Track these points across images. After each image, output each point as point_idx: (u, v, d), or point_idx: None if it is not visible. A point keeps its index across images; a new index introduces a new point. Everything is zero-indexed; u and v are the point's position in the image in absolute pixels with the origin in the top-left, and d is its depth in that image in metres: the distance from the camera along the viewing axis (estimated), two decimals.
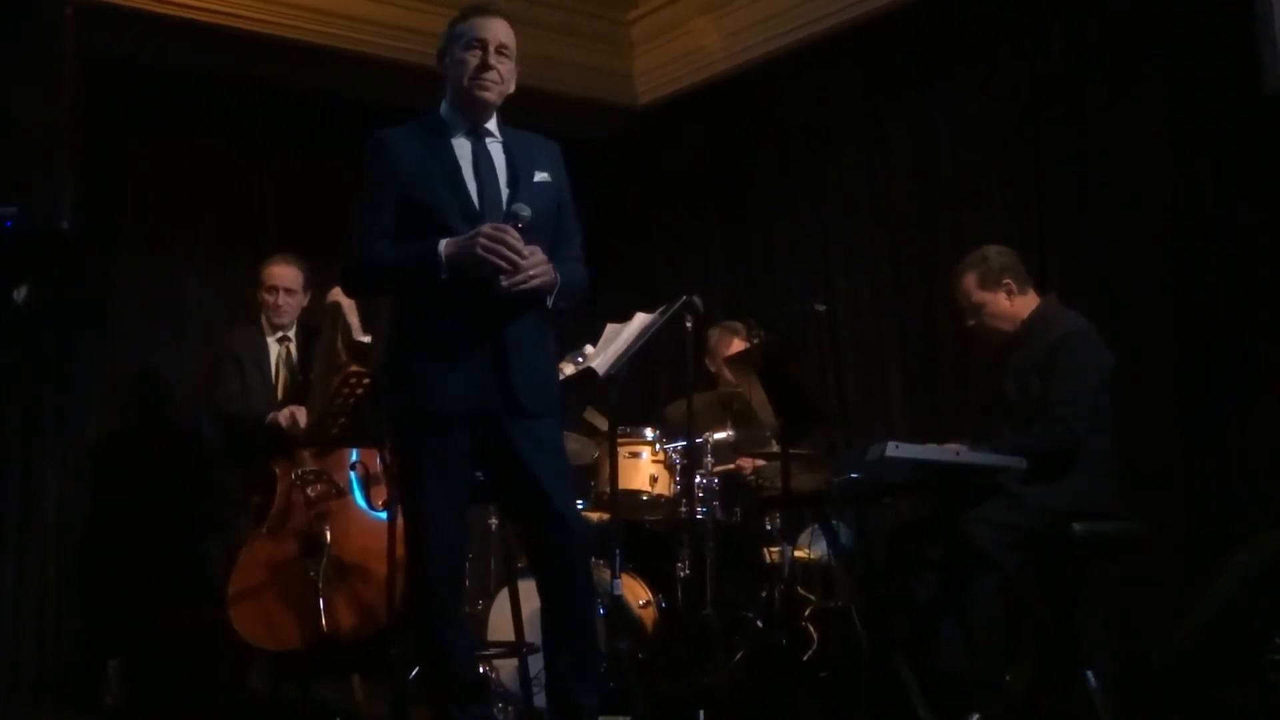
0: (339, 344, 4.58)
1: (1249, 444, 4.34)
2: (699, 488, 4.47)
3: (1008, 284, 4.02)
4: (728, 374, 4.99)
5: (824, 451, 4.86)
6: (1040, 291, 4.10)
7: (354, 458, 4.44)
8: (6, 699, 5.09)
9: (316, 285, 4.93)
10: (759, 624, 4.53)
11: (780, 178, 6.17)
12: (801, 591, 4.74)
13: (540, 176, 3.20)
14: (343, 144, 6.00)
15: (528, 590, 4.00)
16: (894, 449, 3.52)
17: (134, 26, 5.15)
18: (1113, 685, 3.82)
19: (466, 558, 3.25)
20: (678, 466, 4.62)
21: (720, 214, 6.44)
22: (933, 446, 3.67)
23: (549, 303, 3.14)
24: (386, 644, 3.96)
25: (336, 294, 4.59)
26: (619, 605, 4.16)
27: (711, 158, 6.46)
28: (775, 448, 4.31)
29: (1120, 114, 4.77)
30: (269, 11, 5.39)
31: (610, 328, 4.26)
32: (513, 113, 3.33)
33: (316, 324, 4.77)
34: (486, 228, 2.99)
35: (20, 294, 4.68)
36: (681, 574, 4.55)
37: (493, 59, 3.15)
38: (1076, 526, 3.63)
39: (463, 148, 3.18)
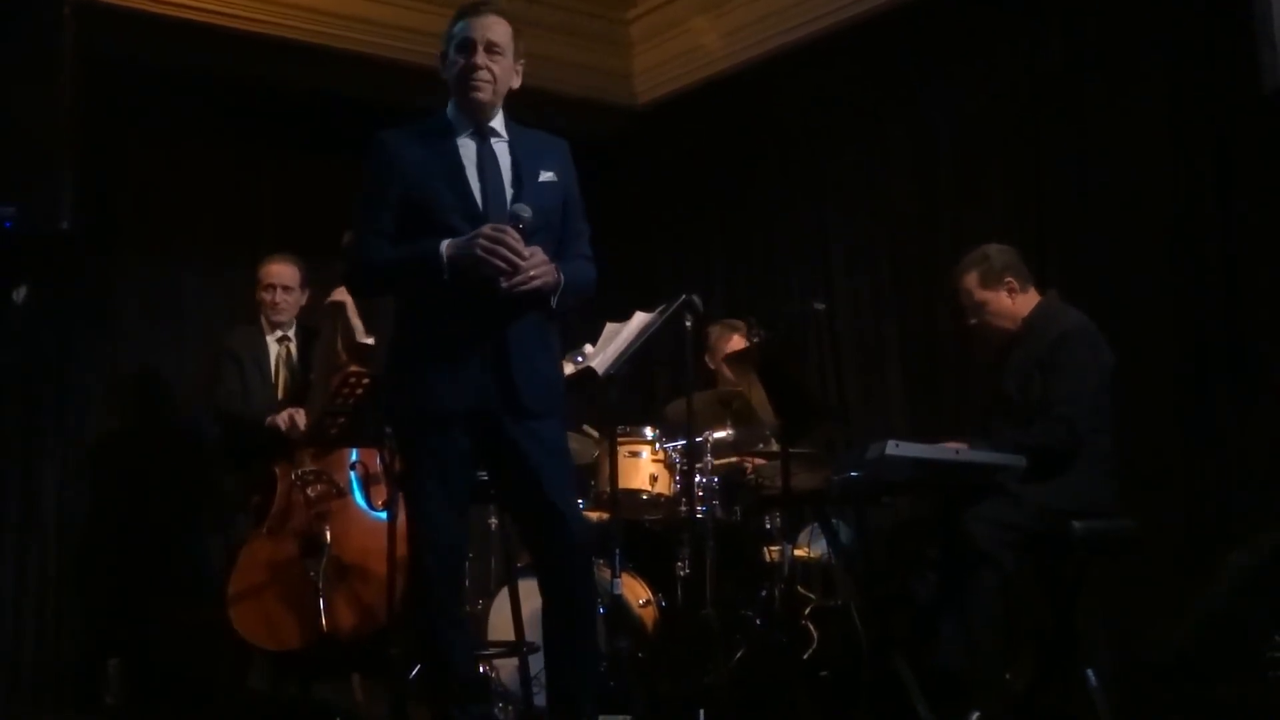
0: (339, 344, 4.59)
1: (1248, 444, 4.34)
2: (699, 487, 4.47)
3: (1009, 282, 4.02)
4: (727, 372, 4.99)
5: (824, 450, 4.86)
6: (1041, 290, 4.10)
7: (354, 458, 4.44)
8: (6, 699, 5.09)
9: (315, 284, 4.93)
10: (759, 623, 4.53)
11: (780, 177, 6.17)
12: (801, 590, 4.74)
13: (546, 176, 3.19)
14: (341, 143, 6.02)
15: (528, 590, 4.00)
16: (894, 447, 3.52)
17: (133, 26, 5.15)
18: (1112, 684, 3.83)
19: (466, 557, 3.24)
20: (677, 466, 4.62)
21: (720, 213, 6.44)
22: (932, 445, 3.67)
23: (553, 303, 3.13)
24: (386, 644, 3.96)
25: (339, 294, 4.59)
26: (619, 604, 4.17)
27: (711, 157, 6.46)
28: (775, 447, 4.31)
29: (1119, 113, 4.77)
30: (267, 11, 5.39)
31: (609, 327, 4.26)
32: (511, 111, 3.32)
33: (316, 324, 4.77)
34: (487, 229, 2.99)
35: (20, 294, 4.68)
36: (681, 573, 4.55)
37: (480, 58, 3.13)
38: (1076, 525, 3.63)
39: (467, 148, 3.17)
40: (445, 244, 3.03)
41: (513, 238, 2.98)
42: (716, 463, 4.60)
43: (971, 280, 4.05)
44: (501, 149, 3.20)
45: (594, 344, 4.24)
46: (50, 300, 5.28)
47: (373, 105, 5.95)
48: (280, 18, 5.43)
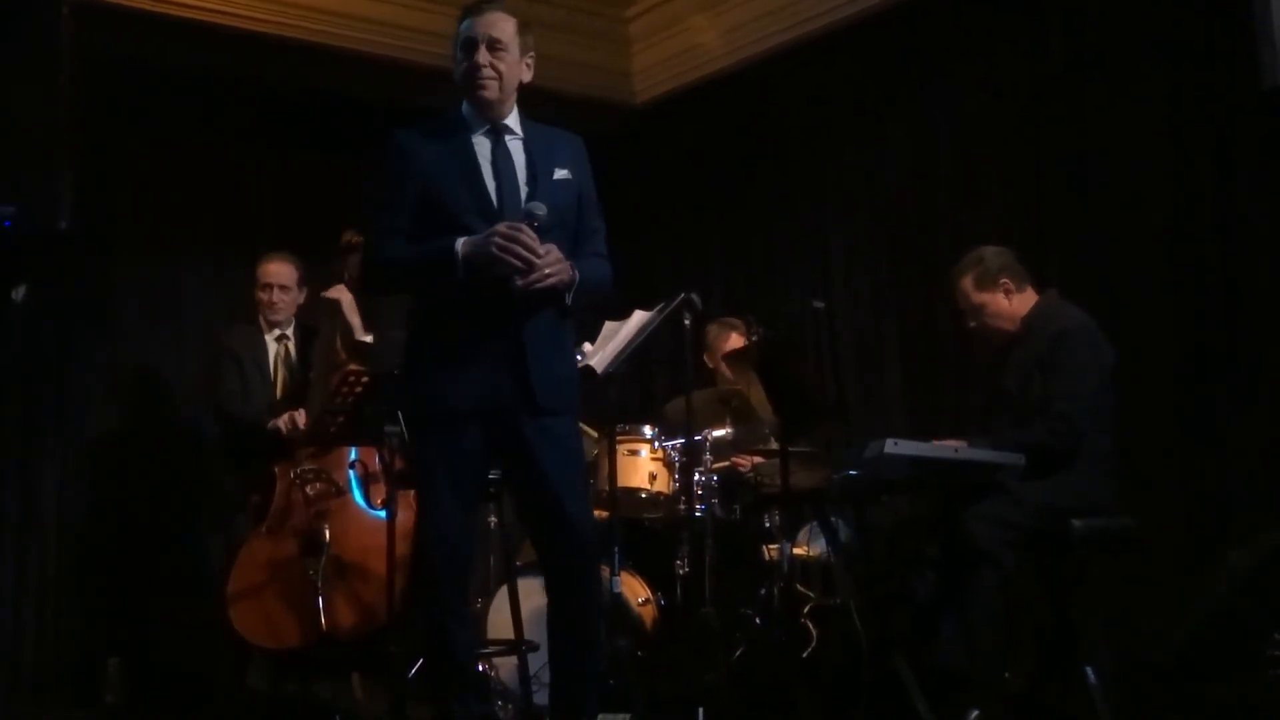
0: (338, 343, 4.59)
1: (1248, 443, 4.34)
2: (698, 485, 4.47)
3: (1005, 284, 4.03)
4: (726, 370, 4.99)
5: (823, 449, 4.85)
6: (1039, 289, 4.11)
7: (353, 456, 4.44)
8: (6, 698, 5.09)
9: (313, 282, 4.93)
10: (758, 621, 4.53)
11: (779, 175, 6.17)
12: (801, 589, 4.73)
13: (560, 173, 3.19)
14: (341, 143, 6.07)
15: (527, 588, 4.02)
16: (893, 446, 3.52)
17: (132, 26, 5.15)
18: (1112, 683, 3.82)
19: (473, 554, 3.25)
20: (677, 464, 4.62)
21: (719, 212, 6.44)
22: (932, 443, 3.68)
23: (568, 300, 3.13)
24: (386, 642, 3.95)
25: (336, 291, 4.59)
26: (618, 603, 4.17)
27: (710, 155, 6.46)
28: (774, 445, 4.31)
29: (1119, 112, 4.77)
30: (267, 10, 5.40)
31: (609, 325, 4.26)
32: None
33: (315, 322, 4.77)
34: (501, 227, 3.00)
35: (19, 293, 4.68)
36: (680, 571, 4.55)
37: (483, 56, 3.14)
38: (1075, 523, 3.63)
39: (482, 146, 3.18)
40: (460, 242, 3.03)
41: (527, 235, 2.99)
42: (715, 465, 4.60)
43: (967, 283, 4.07)
44: (516, 146, 3.21)
45: (593, 342, 4.24)
46: (50, 300, 5.29)
47: (373, 104, 5.96)
48: (280, 16, 5.44)
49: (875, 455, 3.53)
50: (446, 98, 6.00)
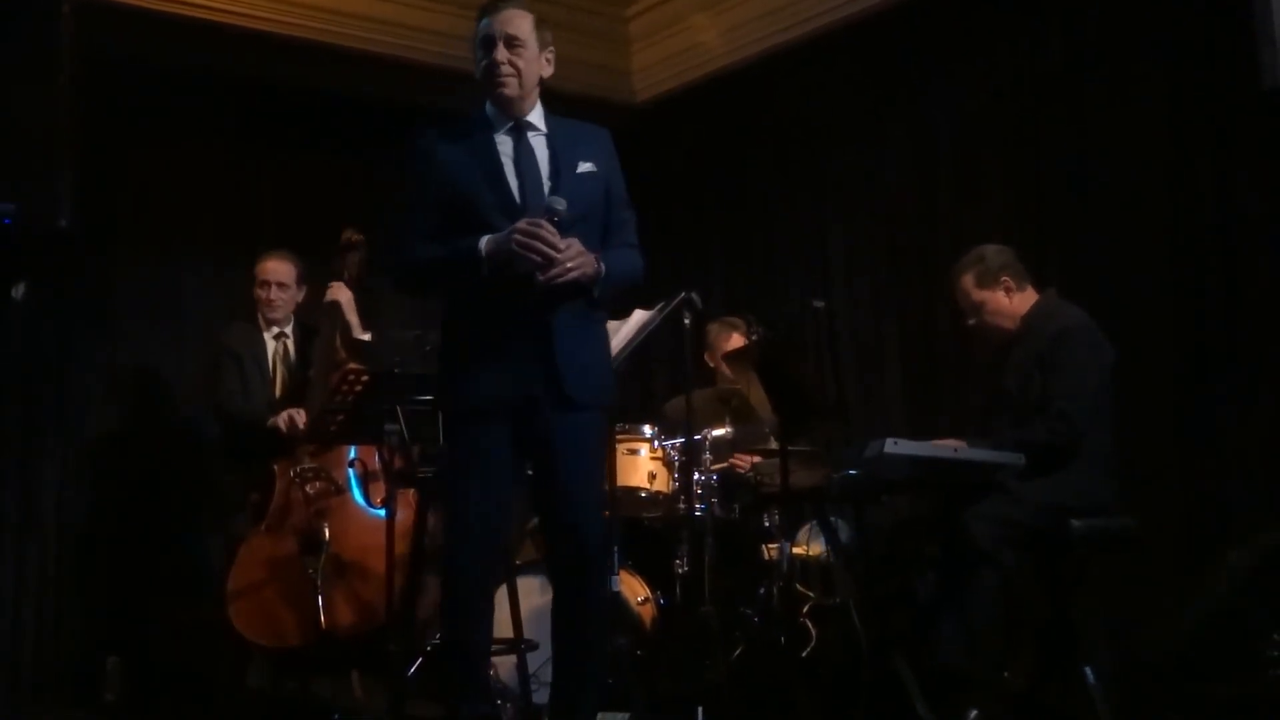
0: (338, 342, 4.59)
1: (1248, 442, 4.34)
2: (697, 484, 4.47)
3: (1005, 282, 4.03)
4: (726, 369, 4.99)
5: (822, 448, 4.85)
6: (1039, 288, 4.11)
7: (352, 455, 4.44)
8: (6, 696, 5.09)
9: (312, 281, 4.93)
10: (757, 621, 4.53)
11: (779, 175, 6.17)
12: (800, 588, 4.73)
13: (584, 167, 3.20)
14: (341, 142, 6.07)
15: (527, 587, 4.02)
16: (892, 445, 3.52)
17: (132, 25, 5.15)
18: (1112, 682, 3.82)
19: (502, 550, 3.24)
20: (676, 463, 4.62)
21: (719, 211, 6.44)
22: (931, 443, 3.68)
23: (595, 293, 3.14)
24: (385, 641, 3.96)
25: (335, 292, 4.60)
26: (617, 602, 4.17)
27: (710, 155, 6.46)
28: (774, 444, 4.31)
29: (1119, 111, 4.77)
30: (267, 9, 5.39)
31: (609, 324, 4.25)
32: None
33: (314, 321, 4.77)
34: (521, 223, 3.01)
35: (19, 291, 4.68)
36: (680, 571, 4.55)
37: (501, 54, 3.15)
38: (1075, 523, 3.63)
39: (504, 144, 3.19)
40: (484, 241, 3.05)
41: (547, 230, 3.00)
42: (714, 465, 4.60)
43: (968, 281, 4.07)
44: (539, 143, 3.22)
45: None
46: (50, 299, 5.29)
47: (373, 103, 5.97)
48: (280, 15, 5.43)
49: (875, 455, 3.53)
50: (446, 97, 6.05)
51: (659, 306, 4.15)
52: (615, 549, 4.06)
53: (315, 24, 5.51)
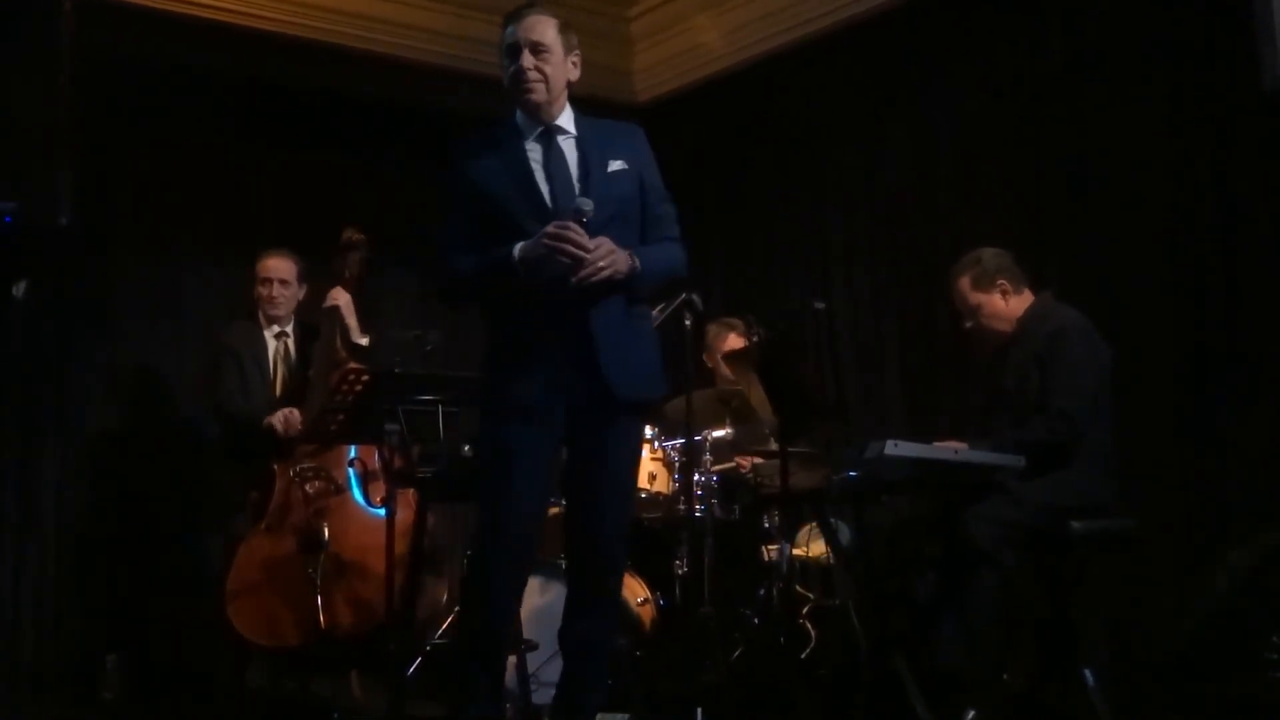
0: (338, 342, 4.60)
1: (1247, 442, 4.34)
2: (697, 485, 4.47)
3: (1002, 284, 4.06)
4: (725, 370, 4.99)
5: (822, 449, 4.85)
6: (1035, 290, 4.12)
7: (352, 454, 4.44)
8: (5, 694, 5.09)
9: (313, 280, 4.93)
10: (757, 622, 4.53)
11: (779, 175, 6.17)
12: (800, 590, 4.74)
13: (615, 165, 3.21)
14: (341, 141, 6.07)
15: (528, 587, 4.01)
16: (893, 447, 3.52)
17: (133, 23, 5.14)
18: (1111, 683, 3.83)
19: (534, 553, 3.26)
20: (676, 464, 4.62)
21: (719, 211, 6.44)
22: (931, 444, 3.68)
23: (635, 288, 3.16)
24: (385, 640, 3.95)
25: (334, 296, 4.59)
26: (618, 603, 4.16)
27: (711, 155, 6.46)
28: (774, 445, 4.31)
29: (1119, 111, 4.77)
30: (268, 8, 5.40)
31: None
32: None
33: (313, 320, 4.77)
34: (550, 226, 3.03)
35: (19, 289, 4.67)
36: (680, 572, 4.55)
37: (527, 60, 3.17)
38: (1075, 524, 3.63)
39: (534, 150, 3.21)
40: (517, 247, 3.08)
41: (575, 232, 3.01)
42: (716, 467, 4.60)
43: (965, 284, 4.10)
44: (569, 146, 3.23)
45: None
46: (50, 298, 5.28)
47: (373, 103, 5.96)
48: (280, 14, 5.43)
49: (875, 456, 3.53)
50: (447, 97, 6.04)
51: (659, 307, 4.15)
52: None
53: (316, 23, 5.51)
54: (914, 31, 5.47)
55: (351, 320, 4.61)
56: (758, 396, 4.17)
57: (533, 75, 3.17)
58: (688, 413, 4.23)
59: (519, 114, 3.26)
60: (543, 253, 3.02)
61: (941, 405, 5.33)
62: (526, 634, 3.92)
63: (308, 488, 4.38)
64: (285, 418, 4.56)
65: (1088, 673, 3.68)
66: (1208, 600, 3.92)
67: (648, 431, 4.68)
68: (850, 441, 5.02)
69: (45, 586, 5.32)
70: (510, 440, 3.12)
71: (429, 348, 4.52)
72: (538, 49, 3.18)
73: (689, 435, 4.36)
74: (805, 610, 4.62)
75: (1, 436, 5.27)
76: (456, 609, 4.89)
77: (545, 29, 3.20)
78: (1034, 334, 3.96)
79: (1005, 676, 3.95)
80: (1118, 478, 3.89)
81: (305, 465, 4.41)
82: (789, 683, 4.29)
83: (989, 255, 4.11)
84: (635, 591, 4.50)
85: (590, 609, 3.22)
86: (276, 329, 4.90)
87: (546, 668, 4.09)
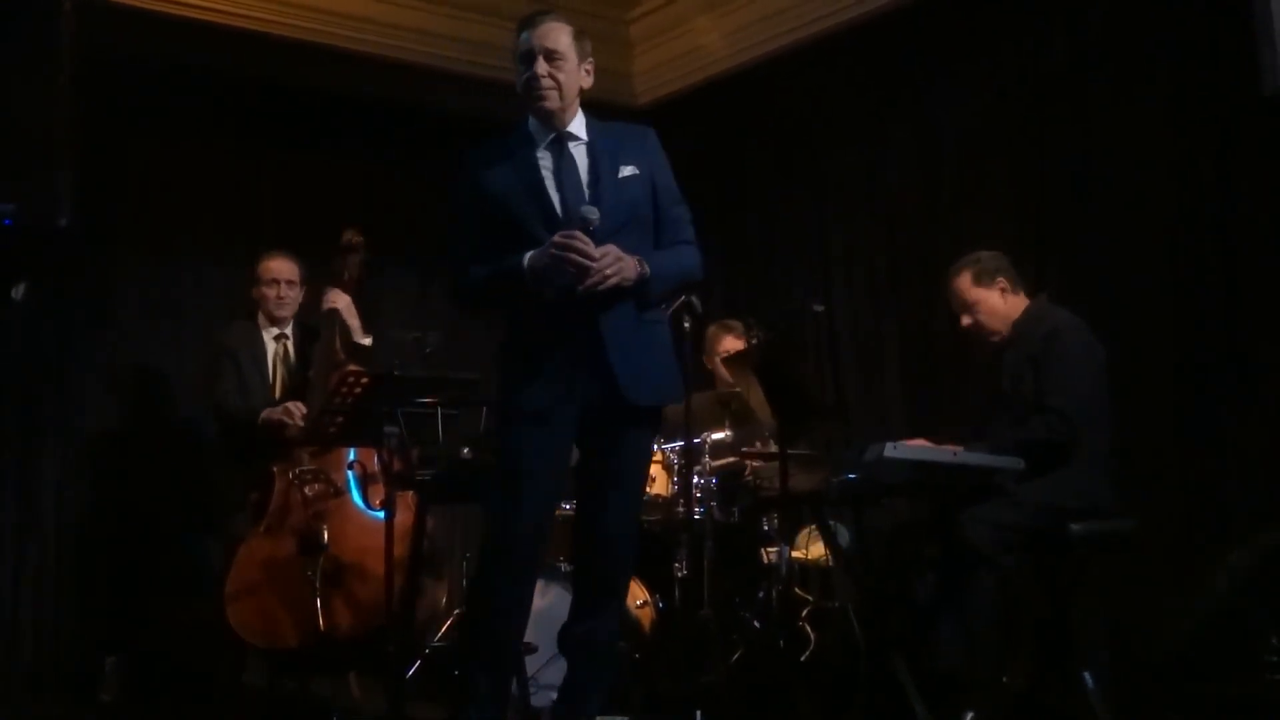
0: (337, 344, 4.59)
1: (1247, 443, 4.34)
2: (697, 488, 4.47)
3: (1001, 283, 4.09)
4: (723, 371, 4.99)
5: (822, 451, 4.85)
6: (1031, 295, 4.14)
7: (351, 457, 4.43)
8: (4, 696, 5.09)
9: (312, 282, 4.92)
10: (756, 624, 4.53)
11: (780, 177, 6.17)
12: (799, 592, 4.73)
13: (626, 171, 3.22)
14: (340, 142, 6.07)
15: None
16: (892, 449, 3.52)
17: (133, 24, 5.15)
18: (1110, 683, 3.83)
19: (541, 559, 3.27)
20: (676, 466, 4.61)
21: (720, 213, 6.43)
22: (931, 447, 3.68)
23: (645, 294, 3.16)
24: (384, 642, 3.95)
25: (333, 298, 4.59)
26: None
27: (711, 157, 6.45)
28: (773, 447, 4.31)
29: (1121, 114, 4.77)
30: (267, 10, 5.40)
31: None
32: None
33: (313, 322, 4.77)
34: (556, 236, 3.04)
35: (19, 291, 4.67)
36: (679, 574, 4.55)
37: (541, 67, 3.16)
38: (1074, 526, 3.63)
39: (545, 157, 3.21)
40: (526, 256, 3.09)
41: (580, 240, 3.02)
42: (715, 464, 4.59)
43: (965, 280, 4.12)
44: (579, 152, 3.23)
45: None
46: (49, 298, 5.29)
47: (372, 104, 5.97)
48: (280, 16, 5.44)
49: (874, 459, 3.54)
50: (446, 99, 6.04)
51: (662, 305, 4.14)
52: None
53: (315, 25, 5.52)
54: (915, 33, 5.47)
55: (354, 321, 4.61)
56: (757, 398, 4.17)
57: (546, 83, 3.16)
58: (687, 415, 4.23)
59: (531, 120, 3.26)
60: (549, 262, 3.04)
61: (941, 405, 5.33)
62: (526, 636, 3.91)
63: (307, 490, 4.37)
64: (287, 409, 4.55)
65: (1087, 674, 3.69)
66: (1207, 601, 3.93)
67: None
68: (849, 442, 5.03)
69: (44, 587, 5.33)
70: (520, 444, 3.13)
71: (428, 350, 4.52)
72: (552, 56, 3.18)
73: (688, 438, 4.36)
74: (805, 612, 4.63)
75: (1, 436, 5.27)
76: (456, 611, 4.91)
77: (560, 36, 3.20)
78: (1029, 336, 3.98)
79: (1005, 678, 3.95)
80: (1116, 478, 3.89)
81: (305, 468, 4.41)
82: (789, 685, 4.28)
83: (987, 256, 4.15)
84: (635, 594, 4.50)
85: (596, 610, 3.24)
86: (275, 330, 4.89)
87: (546, 670, 4.09)
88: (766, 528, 4.77)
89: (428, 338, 4.54)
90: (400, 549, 3.83)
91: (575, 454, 3.30)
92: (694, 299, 4.18)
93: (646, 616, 4.51)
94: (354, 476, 4.44)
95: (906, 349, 5.56)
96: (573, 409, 3.13)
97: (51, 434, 5.42)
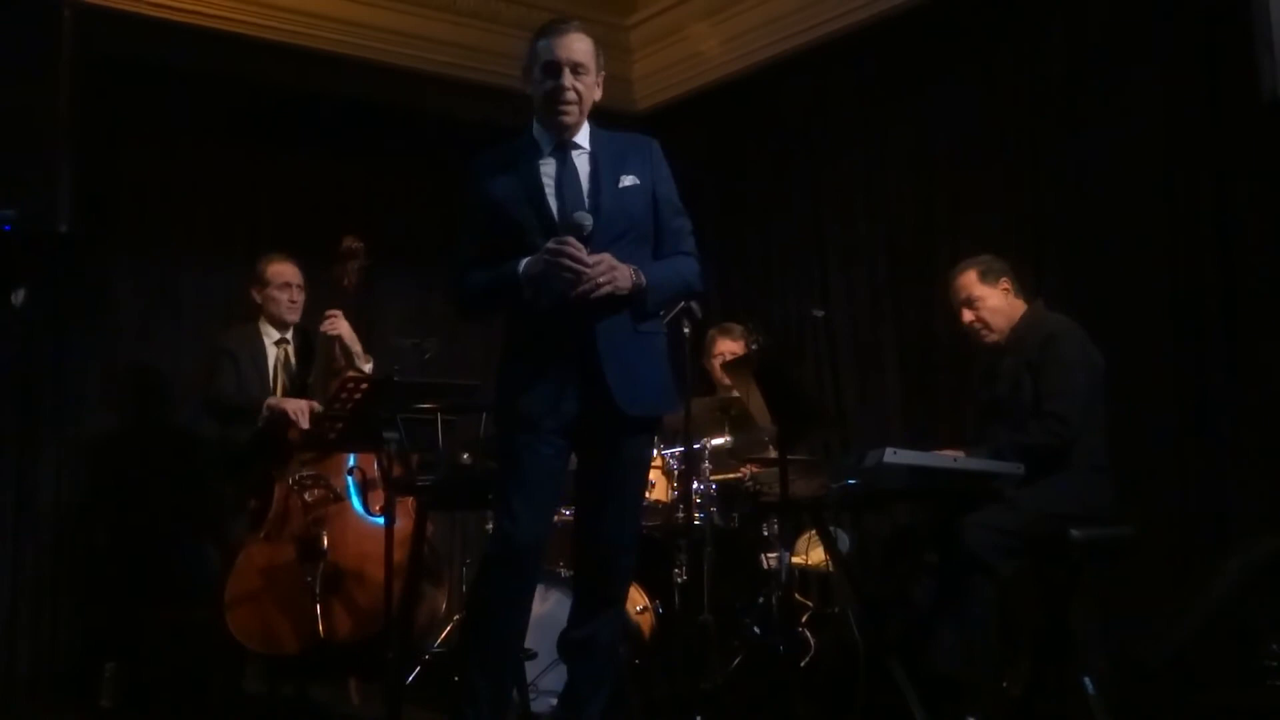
0: (336, 350, 4.60)
1: (1246, 448, 4.35)
2: (696, 493, 4.46)
3: (1005, 283, 4.17)
4: (720, 375, 4.99)
5: (821, 456, 4.86)
6: (1029, 301, 4.16)
7: (351, 462, 4.43)
8: (3, 702, 5.08)
9: (308, 286, 4.92)
10: (756, 630, 4.53)
11: (778, 182, 6.18)
12: (799, 598, 4.73)
13: (627, 180, 3.21)
14: (337, 146, 6.07)
15: None
16: (892, 455, 3.52)
17: (130, 29, 5.15)
18: (1109, 688, 3.82)
19: (540, 560, 3.25)
20: (675, 472, 4.61)
21: (718, 218, 6.44)
22: (930, 453, 3.69)
23: (638, 304, 3.16)
24: (383, 648, 3.95)
25: (332, 324, 4.58)
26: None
27: (710, 163, 6.46)
28: (773, 453, 4.31)
29: (1119, 119, 4.78)
30: (264, 15, 5.41)
31: None
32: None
33: (313, 329, 4.76)
34: (550, 242, 3.04)
35: (18, 297, 4.67)
36: (679, 579, 4.54)
37: (568, 80, 3.15)
38: (1074, 532, 3.64)
39: (548, 165, 3.21)
40: (522, 263, 3.10)
41: (573, 247, 3.01)
42: (717, 477, 4.59)
43: (971, 275, 4.19)
44: (582, 161, 3.23)
45: None
46: (47, 299, 5.28)
47: (368, 108, 5.97)
48: (276, 21, 5.45)
49: (874, 464, 3.54)
50: (444, 103, 6.03)
51: (658, 315, 4.14)
52: None
53: (314, 30, 5.53)
54: (913, 39, 5.48)
55: (355, 346, 4.61)
56: (756, 404, 4.17)
57: (570, 96, 3.16)
58: (686, 420, 4.23)
59: (535, 126, 3.26)
60: (543, 268, 3.04)
61: (939, 410, 5.33)
62: (526, 642, 3.91)
63: (306, 496, 4.37)
64: (300, 407, 4.53)
65: (1088, 680, 3.69)
66: (1205, 606, 3.93)
67: None
68: (849, 446, 5.03)
69: (43, 592, 5.32)
70: (518, 451, 3.12)
71: (428, 355, 4.53)
72: (578, 70, 3.17)
73: (688, 443, 4.36)
74: (805, 618, 4.62)
75: None
76: (456, 617, 4.91)
77: (585, 48, 3.19)
78: (1026, 341, 4.01)
79: (1004, 684, 3.95)
80: (1114, 480, 3.90)
81: (304, 473, 4.41)
82: (788, 690, 4.28)
83: (991, 258, 4.23)
84: (634, 600, 4.50)
85: (595, 616, 3.24)
86: (277, 335, 4.88)
87: (546, 676, 4.09)
88: (766, 533, 4.77)
89: (427, 343, 4.55)
90: (400, 555, 3.82)
91: (574, 459, 3.30)
92: (693, 304, 4.19)
93: (646, 622, 4.51)
94: (354, 482, 4.44)
95: (905, 354, 5.57)
96: (568, 417, 3.13)
97: (49, 437, 5.41)
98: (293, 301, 4.85)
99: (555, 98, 3.15)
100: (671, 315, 4.15)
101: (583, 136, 3.25)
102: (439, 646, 4.75)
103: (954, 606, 3.68)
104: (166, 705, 5.05)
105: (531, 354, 3.16)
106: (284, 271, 4.85)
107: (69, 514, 5.43)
